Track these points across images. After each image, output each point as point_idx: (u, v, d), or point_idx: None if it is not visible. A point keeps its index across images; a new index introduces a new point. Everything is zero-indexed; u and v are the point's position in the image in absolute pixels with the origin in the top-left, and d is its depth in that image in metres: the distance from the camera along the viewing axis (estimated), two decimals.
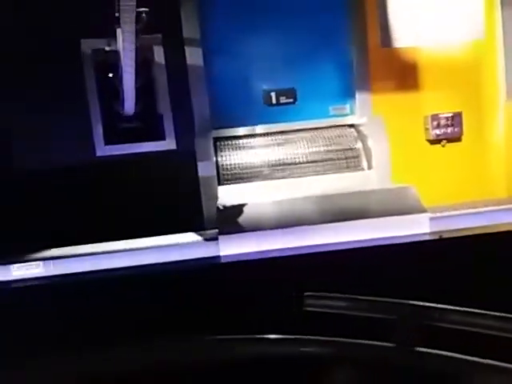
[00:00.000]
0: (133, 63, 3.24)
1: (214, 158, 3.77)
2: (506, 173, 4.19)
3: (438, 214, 2.82)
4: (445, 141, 4.08)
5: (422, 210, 2.82)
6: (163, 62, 3.99)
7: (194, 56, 3.92)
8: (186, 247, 2.78)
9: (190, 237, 2.85)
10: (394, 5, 4.06)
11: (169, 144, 4.03)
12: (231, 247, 2.75)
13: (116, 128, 4.02)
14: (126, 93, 3.59)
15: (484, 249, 2.56)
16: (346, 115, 4.16)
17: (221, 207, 2.97)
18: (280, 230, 2.76)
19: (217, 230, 2.78)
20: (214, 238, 2.77)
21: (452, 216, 2.82)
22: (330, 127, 4.11)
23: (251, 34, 4.02)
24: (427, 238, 2.62)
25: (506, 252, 2.52)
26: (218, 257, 2.73)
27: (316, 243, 2.70)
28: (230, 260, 2.65)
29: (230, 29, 4.00)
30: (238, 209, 2.92)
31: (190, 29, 3.90)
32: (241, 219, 2.87)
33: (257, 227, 2.82)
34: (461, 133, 4.10)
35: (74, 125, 3.90)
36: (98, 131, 3.96)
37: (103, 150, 3.98)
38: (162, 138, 4.02)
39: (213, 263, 2.64)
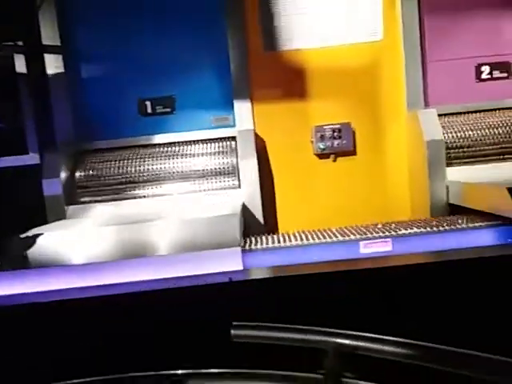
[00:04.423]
0: None
1: (65, 175, 3.44)
2: (409, 190, 3.69)
3: (252, 248, 2.39)
4: (333, 155, 3.61)
5: (235, 244, 2.40)
6: (25, 71, 3.70)
7: (54, 64, 3.61)
8: None
9: None
10: (279, 3, 3.63)
11: (32, 158, 3.74)
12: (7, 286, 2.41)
13: None
14: None
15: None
16: (229, 126, 3.76)
17: (19, 238, 2.64)
18: (59, 268, 2.41)
19: None
20: None
21: (269, 250, 2.38)
22: (210, 140, 3.72)
23: (121, 38, 3.65)
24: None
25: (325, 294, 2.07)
26: None
27: (96, 283, 2.32)
28: None
29: (96, 32, 3.66)
30: (29, 240, 2.58)
31: (49, 34, 3.59)
32: (29, 252, 2.54)
33: (42, 263, 2.48)
34: (352, 146, 3.62)
35: None
36: None
37: None
38: (24, 152, 3.74)
39: None
